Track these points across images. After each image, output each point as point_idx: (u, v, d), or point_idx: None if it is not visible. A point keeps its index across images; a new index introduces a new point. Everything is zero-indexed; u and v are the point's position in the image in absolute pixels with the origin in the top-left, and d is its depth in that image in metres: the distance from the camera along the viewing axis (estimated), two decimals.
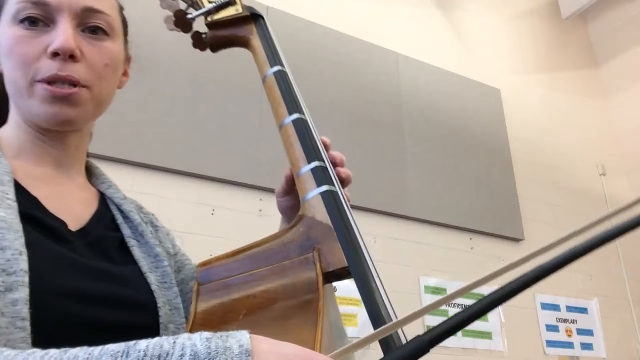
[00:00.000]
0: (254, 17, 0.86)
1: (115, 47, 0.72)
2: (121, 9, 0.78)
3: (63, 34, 0.65)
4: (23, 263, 0.54)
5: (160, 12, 0.88)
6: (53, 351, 0.42)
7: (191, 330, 0.51)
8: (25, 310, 0.52)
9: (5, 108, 0.73)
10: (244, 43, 0.86)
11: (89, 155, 0.83)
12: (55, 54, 0.65)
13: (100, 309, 0.60)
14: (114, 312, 0.61)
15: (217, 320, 0.53)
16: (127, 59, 0.80)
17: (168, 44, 2.39)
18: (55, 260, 0.58)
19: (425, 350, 0.42)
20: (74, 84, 0.66)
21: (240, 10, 0.86)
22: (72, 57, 0.66)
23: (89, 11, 0.69)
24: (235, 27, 0.86)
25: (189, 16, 0.86)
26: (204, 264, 0.60)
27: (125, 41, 0.78)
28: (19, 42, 0.66)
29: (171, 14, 0.86)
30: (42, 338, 0.50)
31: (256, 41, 0.83)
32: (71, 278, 0.58)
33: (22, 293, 0.52)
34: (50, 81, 0.65)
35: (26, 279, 0.53)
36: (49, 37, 0.66)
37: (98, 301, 0.60)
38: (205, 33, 0.88)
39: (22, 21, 0.66)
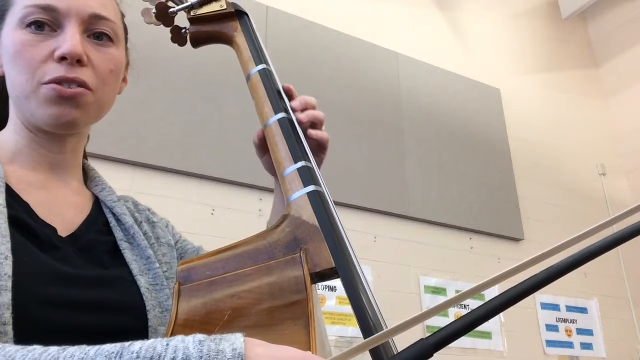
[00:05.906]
0: (238, 14, 0.84)
1: (119, 53, 0.73)
2: (123, 16, 0.78)
3: (71, 39, 0.65)
4: (8, 268, 0.54)
5: None
6: (52, 349, 0.42)
7: (173, 333, 0.50)
8: (7, 315, 0.52)
9: (4, 111, 0.73)
10: (227, 40, 0.83)
11: (89, 155, 0.83)
12: (62, 59, 0.65)
13: (84, 315, 0.59)
14: (100, 318, 0.61)
15: (200, 322, 0.52)
16: (127, 65, 0.81)
17: (168, 44, 2.38)
18: (38, 267, 0.58)
19: (429, 354, 0.41)
20: (81, 85, 0.66)
21: (225, 6, 0.83)
22: (79, 62, 0.66)
23: (96, 18, 0.69)
24: (219, 23, 0.83)
25: (172, 10, 0.83)
26: (185, 263, 0.58)
27: (126, 48, 0.79)
28: (26, 46, 0.65)
29: (152, 6, 0.83)
30: (25, 344, 0.49)
31: (240, 39, 0.81)
32: (53, 285, 0.58)
33: (5, 298, 0.52)
34: (58, 82, 0.65)
35: (9, 284, 0.53)
36: (56, 42, 0.66)
37: (82, 307, 0.59)
38: (185, 28, 0.86)
39: (29, 25, 0.66)
